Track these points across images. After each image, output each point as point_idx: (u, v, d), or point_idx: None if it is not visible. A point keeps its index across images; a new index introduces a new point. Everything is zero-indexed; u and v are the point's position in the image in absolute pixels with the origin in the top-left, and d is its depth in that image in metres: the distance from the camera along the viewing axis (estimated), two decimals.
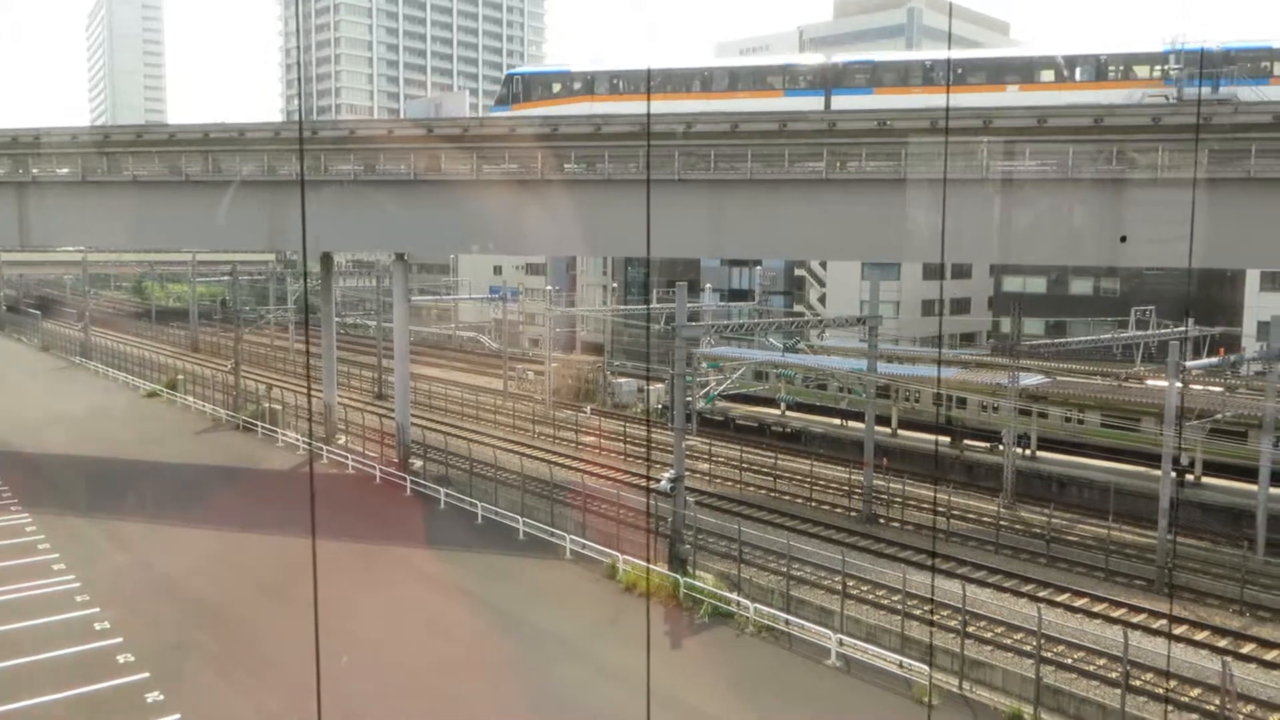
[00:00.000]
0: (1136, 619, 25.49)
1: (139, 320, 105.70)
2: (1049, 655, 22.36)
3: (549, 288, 67.89)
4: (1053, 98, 34.37)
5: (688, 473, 32.42)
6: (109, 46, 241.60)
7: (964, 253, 42.98)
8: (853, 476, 37.65)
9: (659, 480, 30.89)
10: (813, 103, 37.52)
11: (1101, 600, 26.77)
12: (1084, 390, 40.32)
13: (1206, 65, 33.92)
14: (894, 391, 43.94)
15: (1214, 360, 36.19)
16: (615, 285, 77.52)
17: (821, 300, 66.69)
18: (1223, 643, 24.02)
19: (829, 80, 37.97)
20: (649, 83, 40.60)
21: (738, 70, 40.62)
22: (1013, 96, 34.99)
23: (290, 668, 22.92)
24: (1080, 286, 60.90)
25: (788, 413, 49.16)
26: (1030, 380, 39.73)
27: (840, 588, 26.37)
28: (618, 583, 28.58)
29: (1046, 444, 39.58)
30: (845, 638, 23.93)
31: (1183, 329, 39.17)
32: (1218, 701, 19.77)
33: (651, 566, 28.79)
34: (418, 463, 42.13)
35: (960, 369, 45.65)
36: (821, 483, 38.65)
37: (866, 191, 32.05)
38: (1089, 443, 38.49)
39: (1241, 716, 19.93)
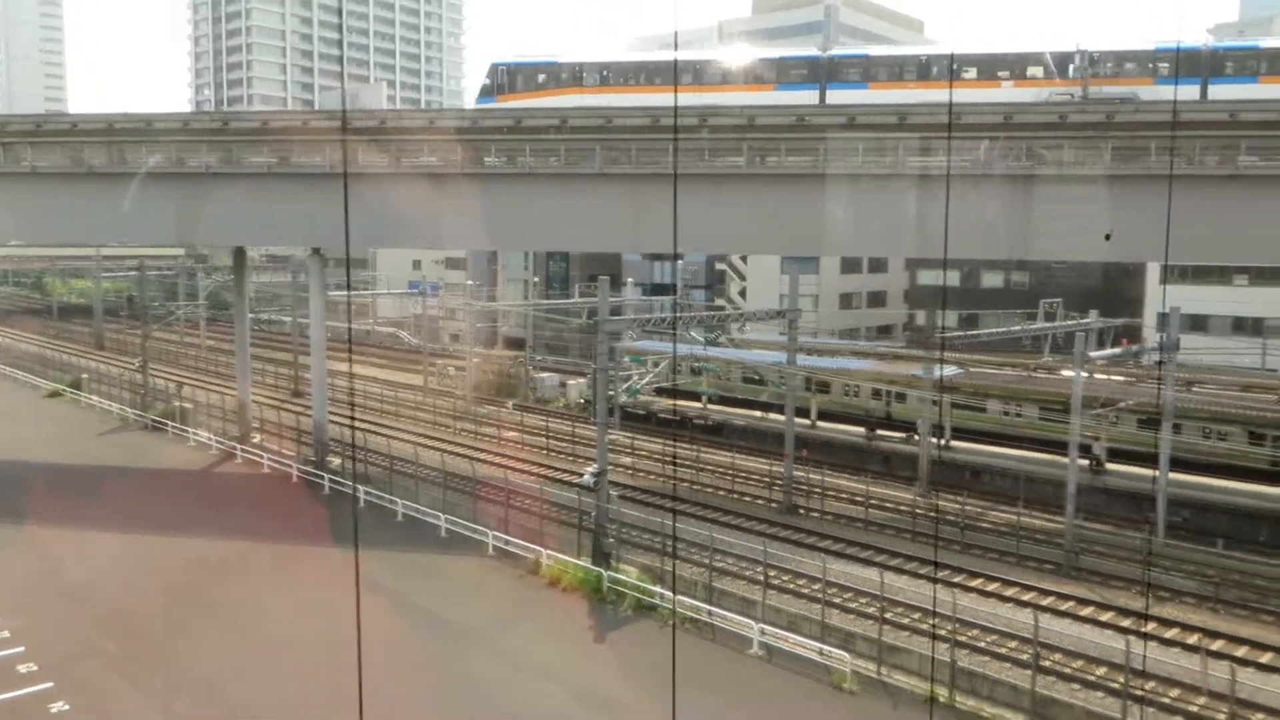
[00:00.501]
0: (1046, 602, 26.29)
1: (39, 317, 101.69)
2: (964, 639, 22.93)
3: (470, 282, 67.26)
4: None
5: (611, 467, 32.42)
6: (2, 32, 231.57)
7: (880, 246, 43.81)
8: (773, 468, 38.10)
9: (582, 475, 30.85)
10: (806, 96, 37.60)
11: (1013, 584, 27.55)
12: (996, 381, 41.43)
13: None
14: (813, 383, 44.56)
15: (1117, 351, 37.51)
16: (537, 280, 77.13)
17: (742, 294, 67.30)
18: (1126, 622, 24.92)
19: (823, 74, 38.09)
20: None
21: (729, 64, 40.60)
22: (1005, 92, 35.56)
23: (199, 670, 22.33)
24: (992, 280, 62.56)
25: (709, 406, 49.54)
26: (945, 371, 40.66)
27: (762, 578, 26.68)
28: (541, 578, 28.48)
29: (961, 434, 40.58)
30: (767, 627, 24.22)
31: (1088, 321, 40.53)
32: (1122, 679, 20.51)
33: (575, 561, 28.75)
34: (336, 461, 41.38)
35: (877, 361, 46.53)
36: (743, 475, 39.04)
37: (786, 186, 32.42)
38: (1001, 432, 39.57)
39: (1143, 693, 20.72)
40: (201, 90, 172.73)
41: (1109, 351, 36.82)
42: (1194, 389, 37.79)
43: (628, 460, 42.10)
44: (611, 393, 43.61)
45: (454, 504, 34.64)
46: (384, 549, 31.43)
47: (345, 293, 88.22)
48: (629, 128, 34.33)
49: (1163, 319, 39.68)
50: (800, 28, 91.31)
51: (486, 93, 42.34)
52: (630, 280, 62.27)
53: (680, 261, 66.27)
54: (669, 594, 26.19)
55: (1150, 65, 35.41)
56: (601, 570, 27.72)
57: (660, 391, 51.10)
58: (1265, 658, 22.66)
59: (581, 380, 55.73)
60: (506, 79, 41.57)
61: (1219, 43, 39.53)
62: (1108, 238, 27.83)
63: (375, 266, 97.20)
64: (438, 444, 44.67)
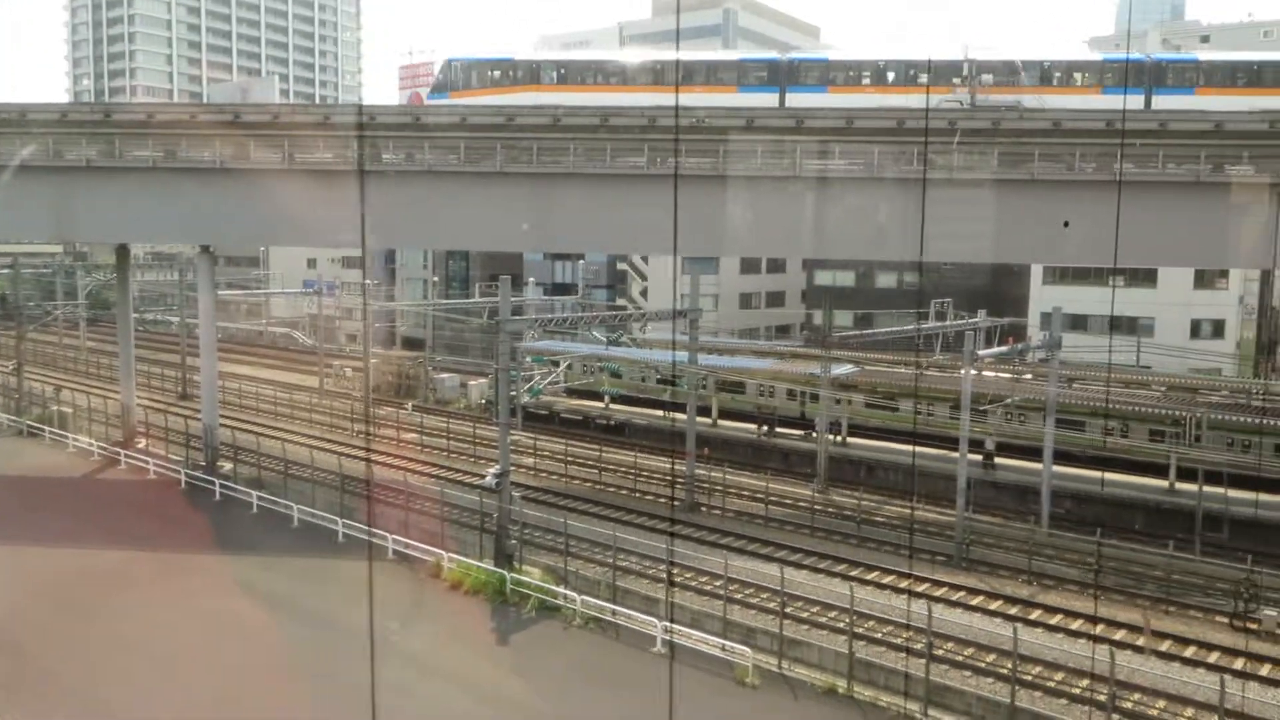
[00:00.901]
0: (939, 592, 27.11)
1: None
2: (861, 631, 23.48)
3: (367, 282, 65.94)
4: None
5: (513, 467, 32.20)
6: None
7: (780, 248, 44.57)
8: (676, 466, 38.37)
9: (484, 476, 30.56)
10: (767, 99, 37.61)
11: (907, 576, 28.33)
12: (890, 379, 42.55)
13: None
14: (713, 382, 45.03)
15: (1003, 349, 38.89)
16: (436, 279, 76.10)
17: (643, 294, 67.62)
18: (1013, 610, 25.88)
19: (783, 77, 38.14)
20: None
21: (693, 65, 40.30)
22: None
23: (81, 688, 21.38)
24: (885, 280, 64.22)
25: (611, 405, 49.63)
26: (841, 370, 41.57)
27: (665, 576, 26.85)
28: (443, 581, 28.11)
29: (857, 430, 41.55)
30: (671, 625, 24.39)
31: (976, 320, 41.92)
32: (1010, 665, 21.28)
33: (477, 563, 28.47)
34: (227, 465, 40.09)
35: (776, 360, 47.29)
36: (645, 474, 39.22)
37: (687, 187, 32.68)
38: (895, 428, 40.64)
39: (1029, 678, 21.56)
40: (80, 80, 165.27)
41: (996, 350, 38.15)
42: (1075, 385, 39.48)
43: (530, 461, 41.88)
44: (513, 393, 43.32)
45: (352, 508, 33.93)
46: (279, 555, 30.59)
47: (237, 292, 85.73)
48: (530, 126, 34.16)
49: (1045, 318, 41.36)
50: (700, 30, 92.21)
51: (439, 89, 41.19)
52: (532, 280, 61.98)
53: (582, 262, 66.24)
54: (572, 594, 26.14)
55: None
56: (504, 572, 27.50)
57: (571, 392, 50.99)
58: (1141, 640, 23.78)
59: (483, 381, 55.20)
60: (460, 75, 40.57)
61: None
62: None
63: (268, 265, 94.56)
64: (335, 447, 43.68)
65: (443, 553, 29.03)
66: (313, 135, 36.13)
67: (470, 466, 40.66)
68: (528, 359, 50.97)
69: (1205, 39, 77.56)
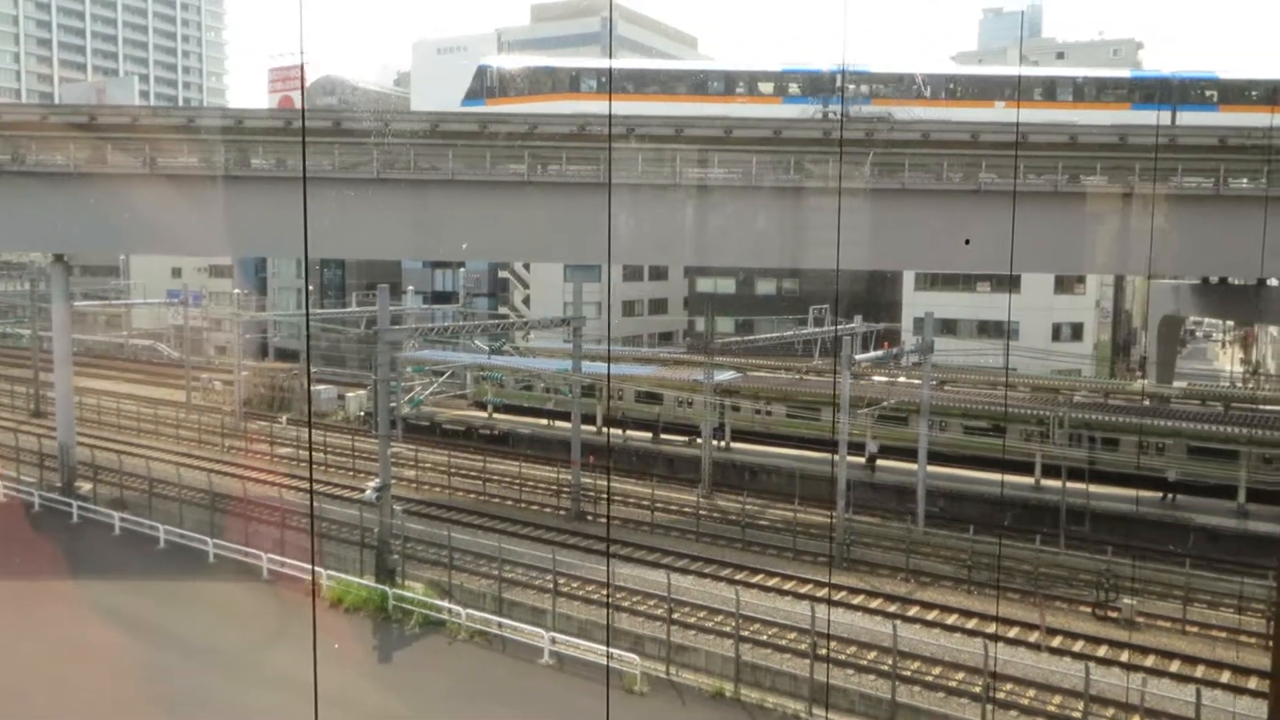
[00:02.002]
0: (821, 593, 27.61)
1: None
2: (747, 634, 23.72)
3: (236, 291, 63.50)
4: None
5: (394, 480, 31.43)
6: None
7: (660, 255, 44.83)
8: (561, 475, 38.12)
9: (364, 490, 29.74)
10: (809, 110, 37.54)
11: (791, 578, 28.79)
12: (771, 384, 43.27)
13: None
14: (598, 390, 44.98)
15: (879, 354, 40.01)
16: (311, 288, 73.85)
17: (526, 302, 67.13)
18: (893, 608, 26.56)
19: (824, 90, 38.12)
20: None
21: (734, 74, 39.73)
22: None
23: None
24: (765, 287, 65.39)
25: (495, 415, 49.03)
26: (724, 376, 42.06)
27: (551, 586, 26.59)
28: (321, 599, 27.19)
29: (740, 435, 42.07)
30: (558, 635, 24.15)
31: (852, 326, 43.02)
32: (890, 662, 21.81)
33: (357, 579, 27.64)
34: (86, 486, 37.94)
35: (659, 367, 47.54)
36: (531, 483, 38.84)
37: (569, 195, 32.56)
38: (777, 433, 41.33)
39: (909, 673, 22.13)
40: None
41: (872, 354, 39.19)
42: (946, 388, 40.90)
43: (411, 473, 40.99)
44: (393, 404, 42.29)
45: (223, 527, 32.53)
46: (144, 578, 29.10)
47: (94, 303, 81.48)
48: (407, 132, 33.47)
49: (918, 323, 42.76)
50: (578, 38, 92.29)
51: (474, 95, 39.68)
52: (411, 288, 60.77)
53: (463, 269, 65.33)
54: (457, 608, 25.63)
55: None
56: (385, 588, 26.79)
57: (461, 399, 50.16)
58: (1013, 632, 24.73)
59: (361, 392, 53.79)
60: (496, 82, 39.34)
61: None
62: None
63: (129, 274, 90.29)
64: (204, 463, 41.84)
65: (321, 570, 28.09)
66: (175, 139, 34.57)
67: (349, 480, 39.53)
68: (408, 369, 49.89)
69: (1061, 55, 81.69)
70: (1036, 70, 48.31)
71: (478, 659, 23.86)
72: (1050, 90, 39.07)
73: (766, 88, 39.31)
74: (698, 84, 39.13)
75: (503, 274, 69.26)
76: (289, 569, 28.71)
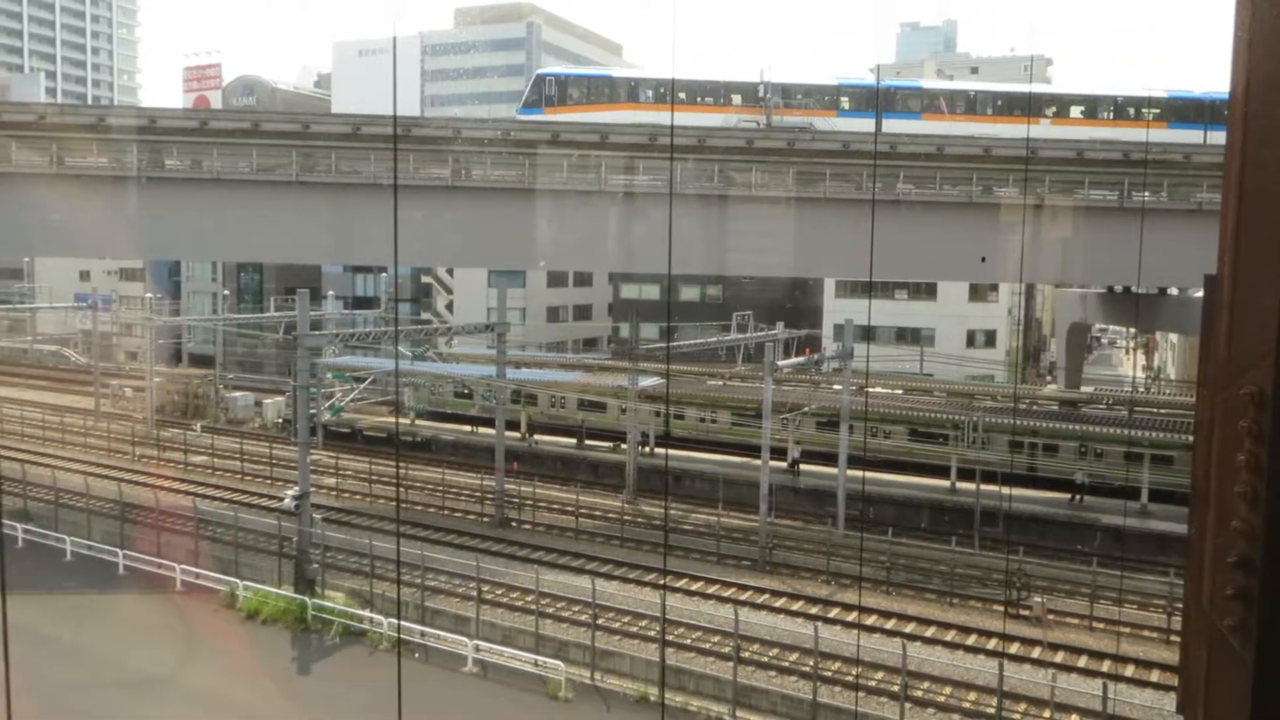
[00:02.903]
0: (745, 596, 27.90)
1: None
2: (671, 638, 23.84)
3: (148, 295, 61.68)
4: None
5: (313, 489, 30.87)
6: None
7: (585, 261, 44.85)
8: (484, 482, 37.85)
9: (282, 498, 29.14)
10: (863, 124, 37.96)
11: (715, 582, 29.01)
12: (695, 390, 43.58)
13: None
14: (523, 396, 44.80)
15: (801, 360, 40.59)
16: (227, 292, 72.15)
17: (449, 308, 66.51)
18: (814, 610, 26.96)
19: (879, 103, 38.81)
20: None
21: (790, 87, 39.76)
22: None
23: None
24: (689, 294, 65.82)
25: (417, 421, 48.47)
26: (648, 382, 42.22)
27: (476, 594, 26.38)
28: (238, 611, 26.56)
29: (663, 441, 42.25)
30: (481, 643, 23.98)
31: (775, 332, 43.57)
32: (812, 663, 22.14)
33: (275, 590, 27.06)
34: None
35: (584, 372, 47.54)
36: (454, 490, 38.48)
37: (493, 200, 32.39)
38: (701, 438, 41.62)
39: (830, 674, 22.49)
40: None
41: (794, 360, 39.76)
42: (865, 392, 41.65)
43: (331, 481, 40.27)
44: (313, 411, 41.54)
45: (134, 537, 31.55)
46: (48, 593, 28.05)
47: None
48: (326, 135, 32.94)
49: (838, 330, 43.48)
50: (504, 43, 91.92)
51: (531, 104, 38.99)
52: (331, 293, 59.76)
53: (384, 274, 64.46)
54: (379, 617, 25.27)
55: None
56: (305, 598, 26.28)
57: (385, 404, 49.43)
58: (930, 631, 25.31)
59: (279, 399, 52.70)
60: (555, 91, 38.68)
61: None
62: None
63: (33, 277, 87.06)
64: (114, 473, 40.52)
65: (237, 581, 27.45)
66: (85, 138, 33.47)
67: (267, 489, 38.68)
68: (328, 375, 49.06)
69: (975, 70, 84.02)
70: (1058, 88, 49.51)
71: (401, 668, 23.52)
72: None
73: (824, 100, 40.32)
74: (750, 96, 39.45)
75: (425, 279, 68.53)
76: (204, 579, 27.98)
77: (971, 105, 40.43)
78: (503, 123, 33.98)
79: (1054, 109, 40.37)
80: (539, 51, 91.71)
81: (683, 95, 39.43)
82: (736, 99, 39.18)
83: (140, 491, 35.68)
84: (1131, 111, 39.52)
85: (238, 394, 55.55)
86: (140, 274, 76.45)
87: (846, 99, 39.69)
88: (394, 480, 39.99)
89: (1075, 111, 40.22)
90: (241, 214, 33.36)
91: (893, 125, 38.49)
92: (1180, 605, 24.63)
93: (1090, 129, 37.64)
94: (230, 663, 24.11)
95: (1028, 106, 40.14)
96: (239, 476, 41.66)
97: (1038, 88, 41.40)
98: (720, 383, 44.61)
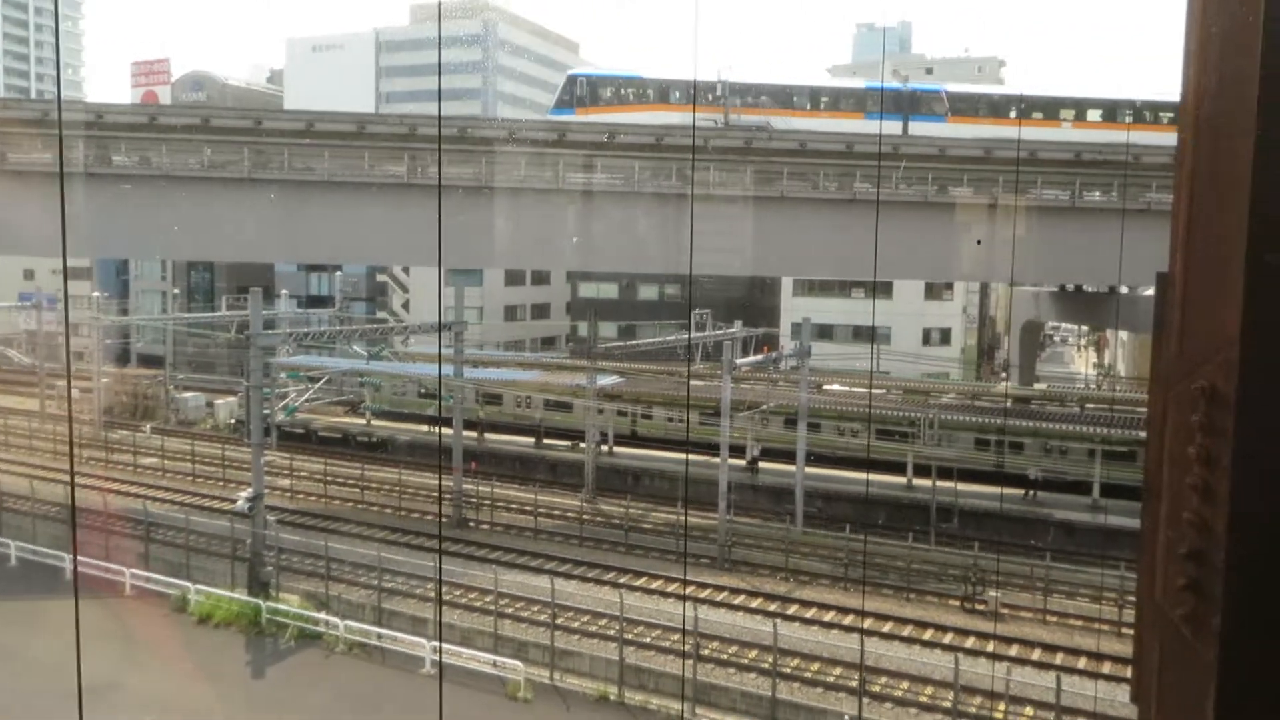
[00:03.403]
0: (704, 594, 27.99)
1: None
2: (630, 637, 23.86)
3: (96, 294, 60.50)
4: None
5: (267, 490, 30.45)
6: None
7: (545, 260, 44.72)
8: (442, 482, 37.59)
9: (235, 500, 28.73)
10: (892, 127, 38.32)
11: (674, 580, 29.08)
12: (654, 388, 43.62)
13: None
14: (480, 395, 44.56)
15: (759, 358, 40.81)
16: (177, 291, 70.98)
17: (405, 306, 65.98)
18: (773, 607, 27.12)
19: (903, 105, 39.12)
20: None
21: (818, 89, 40.16)
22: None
23: None
24: (647, 292, 65.90)
25: (374, 421, 48.02)
26: (606, 381, 42.21)
27: (434, 595, 26.21)
28: (190, 615, 26.14)
29: (623, 440, 42.27)
30: (439, 644, 23.82)
31: (733, 331, 43.77)
32: (771, 659, 22.27)
33: (228, 593, 26.67)
34: None
35: (542, 372, 47.40)
36: (411, 491, 38.18)
37: (450, 198, 32.17)
38: (660, 436, 41.68)
39: (789, 670, 22.64)
40: None
41: (752, 359, 39.95)
42: (823, 390, 41.99)
43: (286, 482, 39.76)
44: (267, 411, 40.99)
45: (83, 542, 30.91)
46: None
47: None
48: (279, 131, 32.55)
49: (796, 328, 43.81)
50: (460, 40, 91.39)
51: (563, 105, 38.94)
52: (285, 292, 59.02)
53: (339, 273, 63.78)
54: (335, 620, 25.01)
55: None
56: (259, 601, 25.93)
57: (342, 405, 48.91)
58: (887, 627, 25.56)
59: (232, 399, 51.94)
60: (587, 91, 38.66)
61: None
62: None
63: None
64: (59, 476, 39.66)
65: (189, 584, 27.02)
66: (28, 133, 32.75)
67: (219, 491, 38.12)
68: (282, 375, 48.46)
69: (929, 71, 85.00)
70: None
71: (356, 671, 23.32)
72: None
73: (848, 103, 40.44)
74: (782, 98, 39.96)
75: (381, 278, 67.92)
76: (155, 583, 27.51)
77: (994, 108, 41.31)
78: (456, 120, 33.73)
79: (1073, 112, 41.28)
80: (496, 48, 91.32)
81: (710, 98, 39.82)
82: (765, 100, 39.75)
83: (89, 494, 34.98)
84: (1149, 115, 40.43)
85: (189, 394, 54.68)
86: (88, 273, 75.00)
87: (872, 102, 40.35)
88: (350, 481, 39.57)
89: (1093, 115, 41.07)
90: (192, 211, 32.84)
91: (919, 128, 39.20)
92: (1131, 598, 25.15)
93: (1110, 133, 38.46)
94: (182, 668, 23.73)
95: (1050, 109, 41.03)
96: (190, 479, 41.01)
97: (1060, 92, 42.30)
98: (679, 381, 44.66)
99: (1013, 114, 41.14)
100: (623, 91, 39.90)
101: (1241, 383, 1.35)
